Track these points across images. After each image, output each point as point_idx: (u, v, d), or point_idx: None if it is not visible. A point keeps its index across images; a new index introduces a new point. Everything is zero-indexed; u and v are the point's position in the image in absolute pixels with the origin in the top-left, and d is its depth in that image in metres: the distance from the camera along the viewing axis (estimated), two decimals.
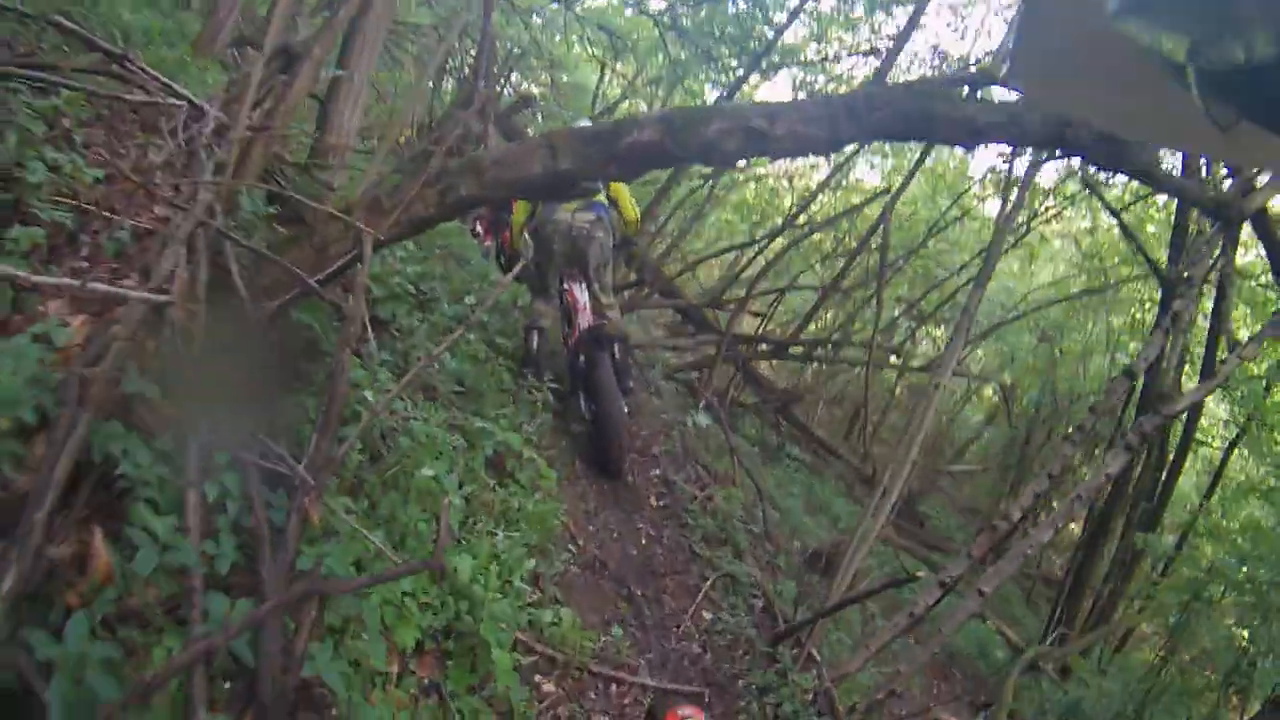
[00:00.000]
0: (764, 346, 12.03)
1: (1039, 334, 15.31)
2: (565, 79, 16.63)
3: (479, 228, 10.84)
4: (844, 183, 14.91)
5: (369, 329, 3.75)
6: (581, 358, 6.63)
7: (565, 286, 7.00)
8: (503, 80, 13.30)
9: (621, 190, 6.99)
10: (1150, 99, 1.08)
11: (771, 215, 15.81)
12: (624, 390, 6.65)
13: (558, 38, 14.15)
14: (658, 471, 7.28)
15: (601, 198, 6.85)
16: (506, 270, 8.53)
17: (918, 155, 11.43)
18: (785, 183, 15.67)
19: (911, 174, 11.18)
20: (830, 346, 12.45)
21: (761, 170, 15.43)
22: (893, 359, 13.08)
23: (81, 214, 3.45)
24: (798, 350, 11.68)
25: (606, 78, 16.49)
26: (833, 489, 12.22)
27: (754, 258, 12.20)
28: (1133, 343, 12.66)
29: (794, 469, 11.98)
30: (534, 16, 13.59)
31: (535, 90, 14.97)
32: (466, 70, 12.11)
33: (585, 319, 6.79)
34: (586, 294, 6.85)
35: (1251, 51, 0.79)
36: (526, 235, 7.39)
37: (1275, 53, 0.77)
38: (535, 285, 7.08)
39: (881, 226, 10.51)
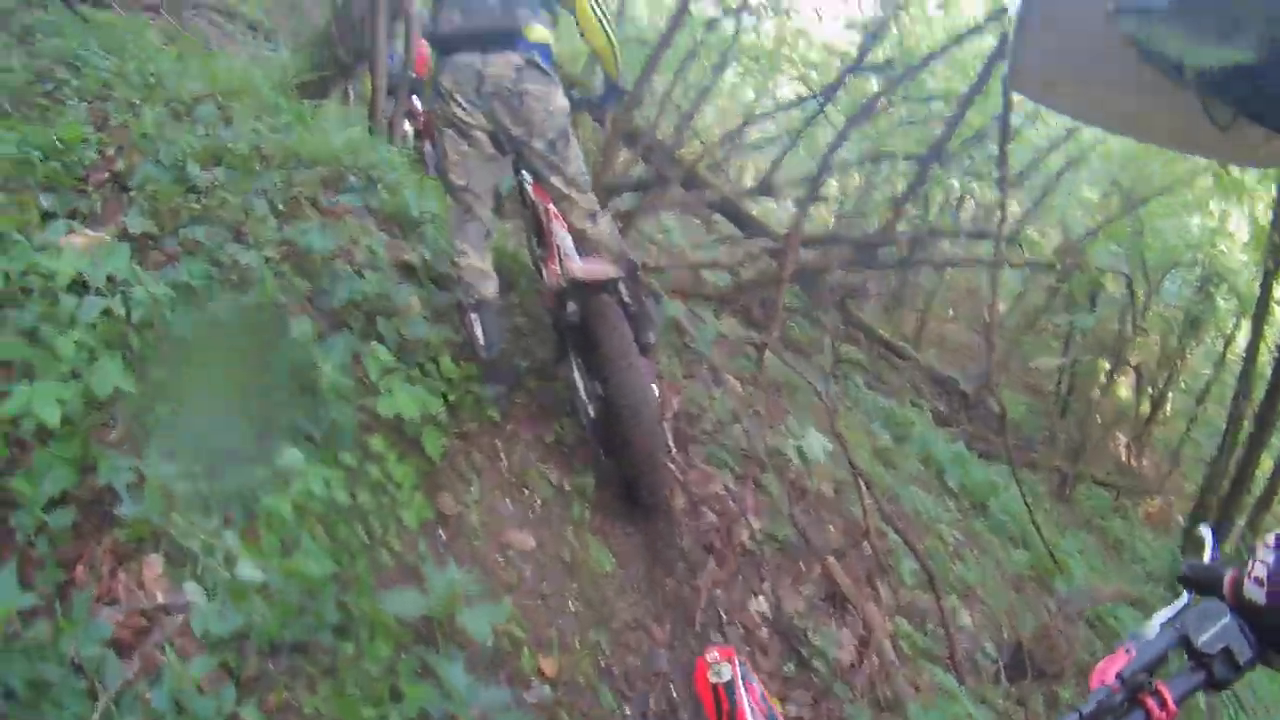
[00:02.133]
0: (841, 249, 8.65)
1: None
2: None
3: (415, 123, 7.41)
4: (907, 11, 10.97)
5: None
6: (570, 305, 3.87)
7: (523, 178, 4.26)
8: None
9: None
10: (1150, 99, 1.14)
11: (796, 69, 12.29)
12: (643, 347, 3.93)
13: None
14: (759, 606, 3.98)
15: (540, 32, 3.84)
16: None
17: None
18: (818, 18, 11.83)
19: None
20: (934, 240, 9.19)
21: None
22: (1017, 249, 9.63)
23: None
24: (893, 251, 7.96)
25: None
26: (927, 421, 9.48)
27: (813, 118, 8.33)
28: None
29: (861, 384, 9.49)
30: None
31: None
32: None
33: (566, 239, 4.04)
34: (555, 186, 3.98)
35: (1250, 51, 0.87)
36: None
37: (1274, 53, 0.86)
38: (452, 205, 4.05)
39: (1006, 63, 6.72)
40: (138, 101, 4.24)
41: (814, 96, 8.75)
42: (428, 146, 6.97)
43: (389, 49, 6.38)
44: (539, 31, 3.80)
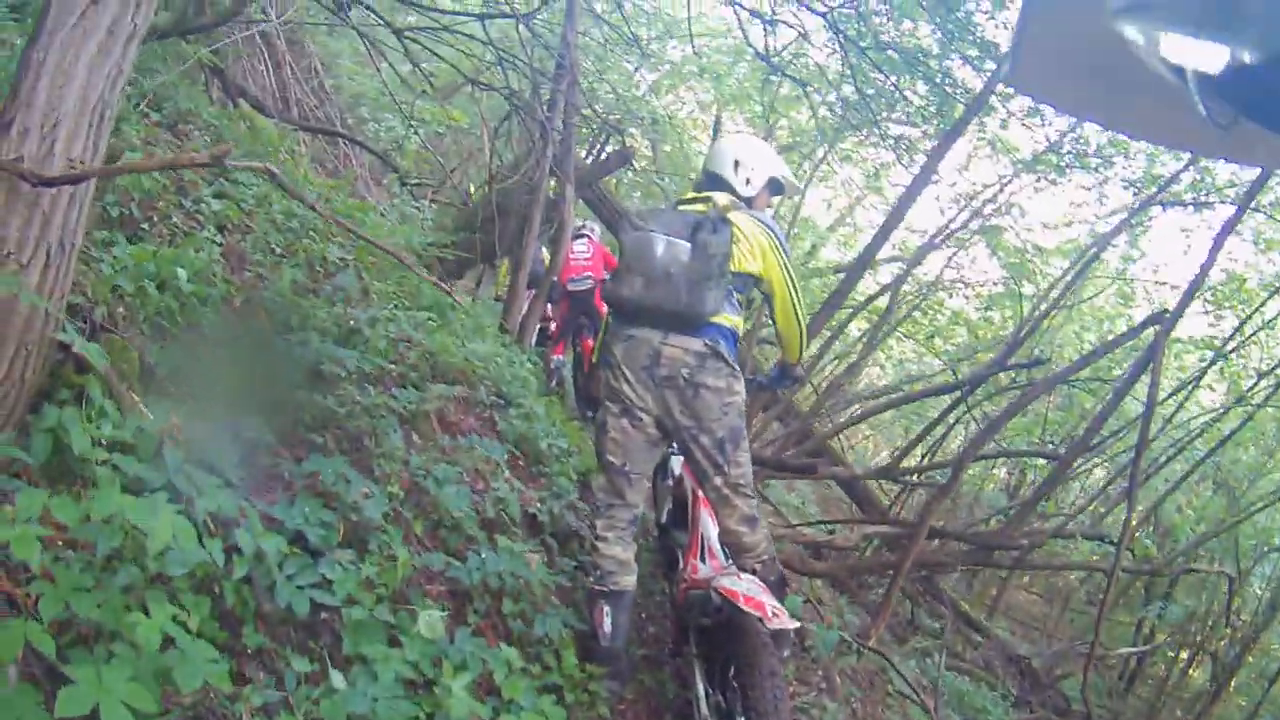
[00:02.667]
0: (963, 545, 8.27)
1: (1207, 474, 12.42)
2: (666, 148, 13.25)
3: (550, 325, 7.41)
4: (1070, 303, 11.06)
5: None
6: (701, 613, 3.34)
7: (671, 468, 4.09)
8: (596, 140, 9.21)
9: (771, 262, 3.62)
10: (1150, 99, 1.13)
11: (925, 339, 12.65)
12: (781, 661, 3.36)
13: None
14: None
15: (731, 318, 3.53)
16: (588, 401, 6.42)
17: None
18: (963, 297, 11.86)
19: (1195, 286, 6.81)
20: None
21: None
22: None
23: None
24: (1008, 552, 7.46)
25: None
26: (1000, 705, 8.55)
27: (960, 404, 8.04)
28: None
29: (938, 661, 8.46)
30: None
31: (633, 140, 10.89)
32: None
33: (712, 533, 3.61)
34: (715, 485, 3.56)
35: (1251, 51, 0.84)
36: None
37: (1274, 52, 0.83)
38: (602, 484, 3.69)
39: (1151, 366, 6.40)
40: (277, 249, 3.84)
41: (956, 386, 8.35)
42: (555, 359, 6.94)
43: (536, 249, 6.18)
44: (729, 318, 3.52)
